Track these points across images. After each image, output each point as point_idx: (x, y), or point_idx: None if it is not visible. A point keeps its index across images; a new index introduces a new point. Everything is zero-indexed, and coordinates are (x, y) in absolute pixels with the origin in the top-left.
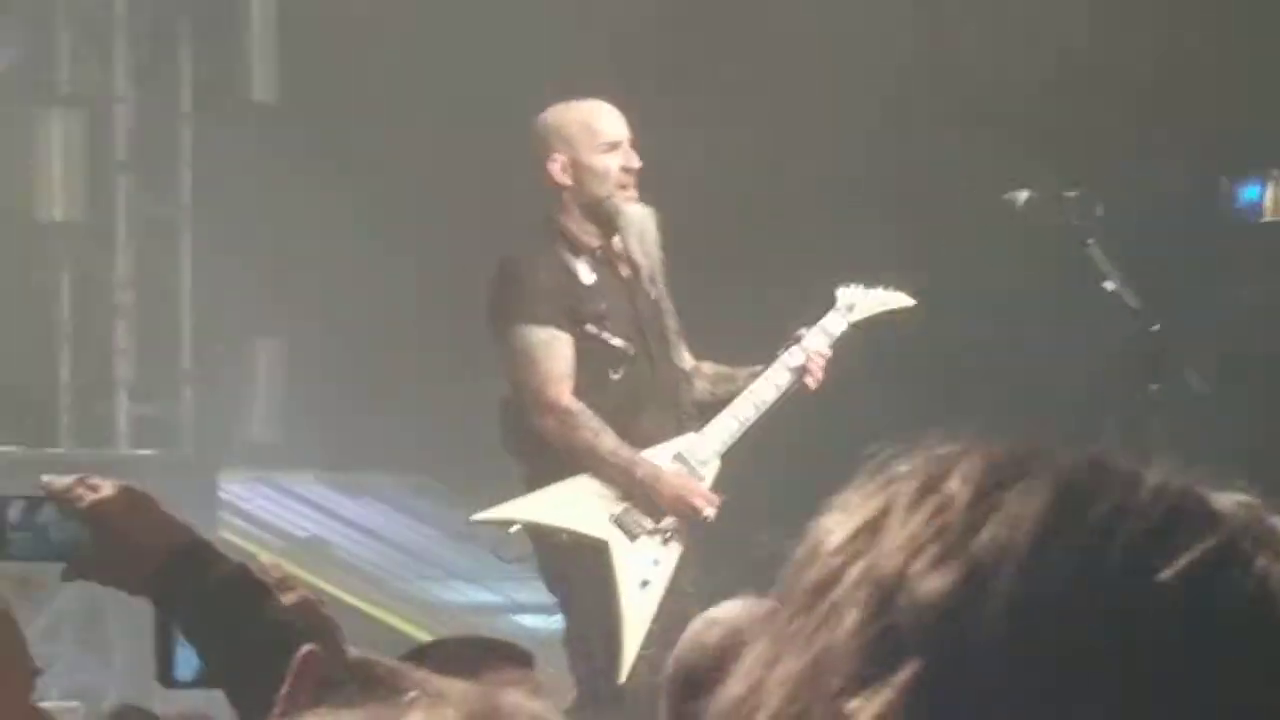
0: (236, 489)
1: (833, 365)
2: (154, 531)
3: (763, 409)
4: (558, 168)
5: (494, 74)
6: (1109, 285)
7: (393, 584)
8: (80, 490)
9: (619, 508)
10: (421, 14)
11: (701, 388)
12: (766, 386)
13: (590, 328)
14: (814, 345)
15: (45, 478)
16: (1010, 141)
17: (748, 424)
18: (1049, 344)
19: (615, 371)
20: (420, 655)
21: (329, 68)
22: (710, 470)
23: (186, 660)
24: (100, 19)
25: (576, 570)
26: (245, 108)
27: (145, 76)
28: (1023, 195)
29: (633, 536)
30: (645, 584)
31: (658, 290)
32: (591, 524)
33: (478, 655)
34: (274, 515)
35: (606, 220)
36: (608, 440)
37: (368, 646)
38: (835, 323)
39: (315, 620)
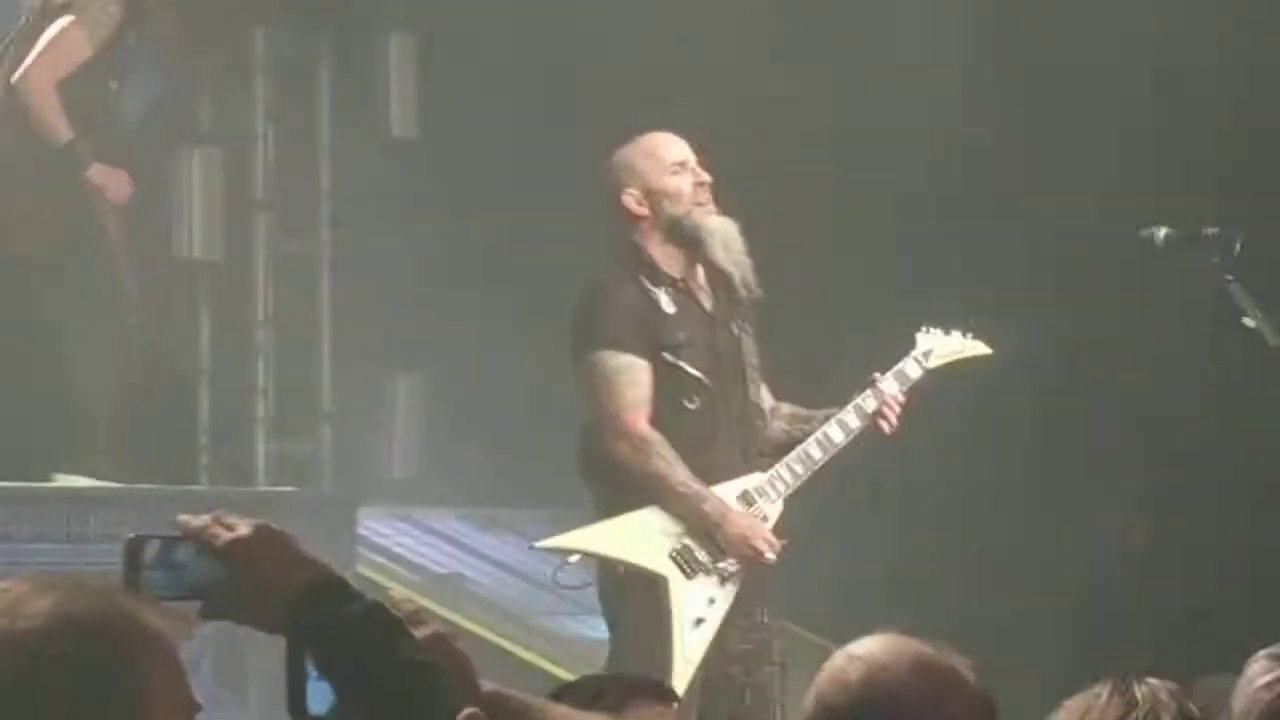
0: (375, 525)
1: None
2: (289, 568)
3: (831, 452)
4: (633, 201)
5: (628, 108)
6: (1249, 322)
7: (530, 619)
8: (216, 529)
9: (679, 544)
10: (560, 48)
11: (778, 427)
12: (836, 430)
13: (668, 356)
14: (889, 390)
15: (181, 517)
16: (1140, 179)
17: (815, 467)
18: (1189, 381)
19: (691, 402)
20: (563, 693)
21: (468, 103)
22: (774, 511)
23: (319, 693)
24: (240, 56)
25: (632, 603)
26: (384, 143)
27: (284, 113)
28: (1161, 232)
29: (691, 574)
30: (699, 622)
31: (745, 314)
32: (650, 558)
33: (621, 692)
34: (412, 551)
35: (689, 238)
36: (680, 472)
37: (504, 681)
38: (912, 368)
39: (447, 655)
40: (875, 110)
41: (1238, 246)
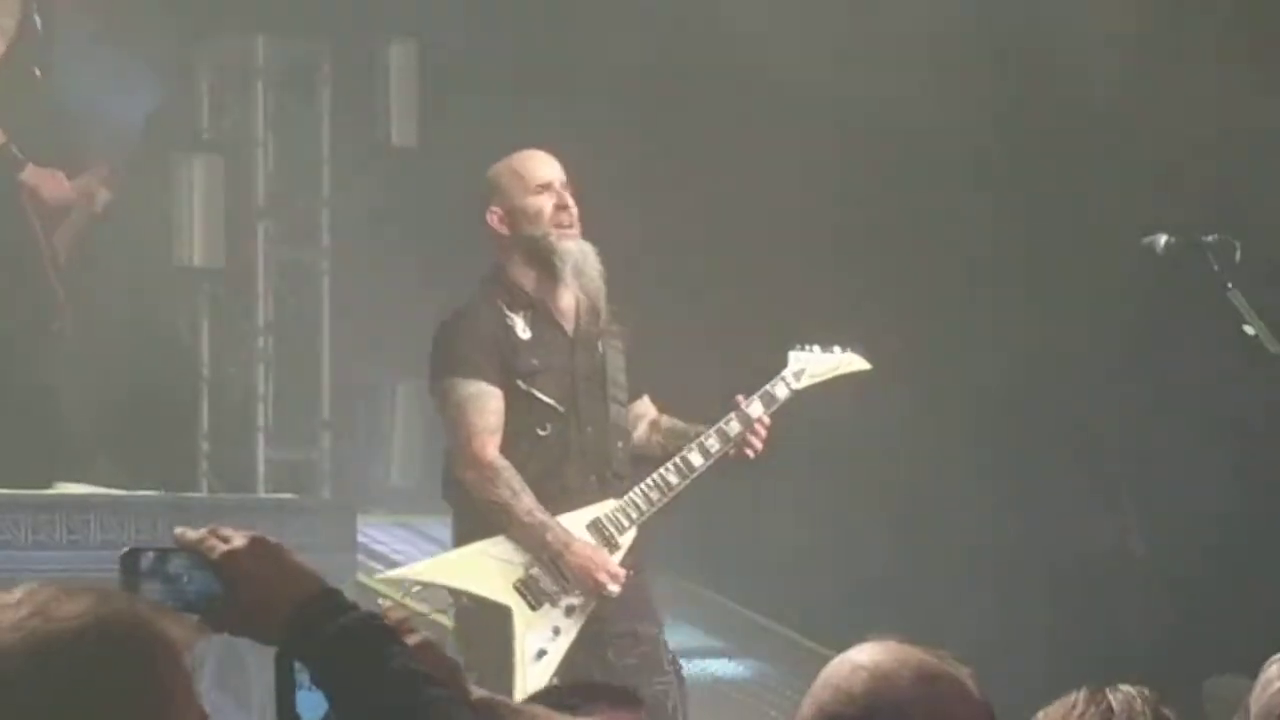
0: (374, 533)
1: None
2: (283, 581)
3: (690, 477)
4: (495, 219)
5: (626, 111)
6: (1249, 330)
7: None
8: (212, 541)
9: (525, 574)
10: (559, 53)
11: (655, 441)
12: (696, 455)
13: (521, 384)
14: (754, 413)
15: (177, 529)
16: (1142, 186)
17: (672, 493)
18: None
19: (543, 429)
20: (540, 697)
21: (467, 112)
22: (627, 538)
23: (310, 703)
24: (240, 66)
25: (479, 633)
26: (384, 153)
27: (284, 122)
28: (1162, 240)
29: (536, 604)
30: (541, 654)
31: (605, 335)
32: (495, 589)
33: (585, 698)
34: (412, 558)
35: (543, 259)
36: (525, 501)
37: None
38: (780, 389)
39: (436, 662)
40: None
41: (1237, 254)
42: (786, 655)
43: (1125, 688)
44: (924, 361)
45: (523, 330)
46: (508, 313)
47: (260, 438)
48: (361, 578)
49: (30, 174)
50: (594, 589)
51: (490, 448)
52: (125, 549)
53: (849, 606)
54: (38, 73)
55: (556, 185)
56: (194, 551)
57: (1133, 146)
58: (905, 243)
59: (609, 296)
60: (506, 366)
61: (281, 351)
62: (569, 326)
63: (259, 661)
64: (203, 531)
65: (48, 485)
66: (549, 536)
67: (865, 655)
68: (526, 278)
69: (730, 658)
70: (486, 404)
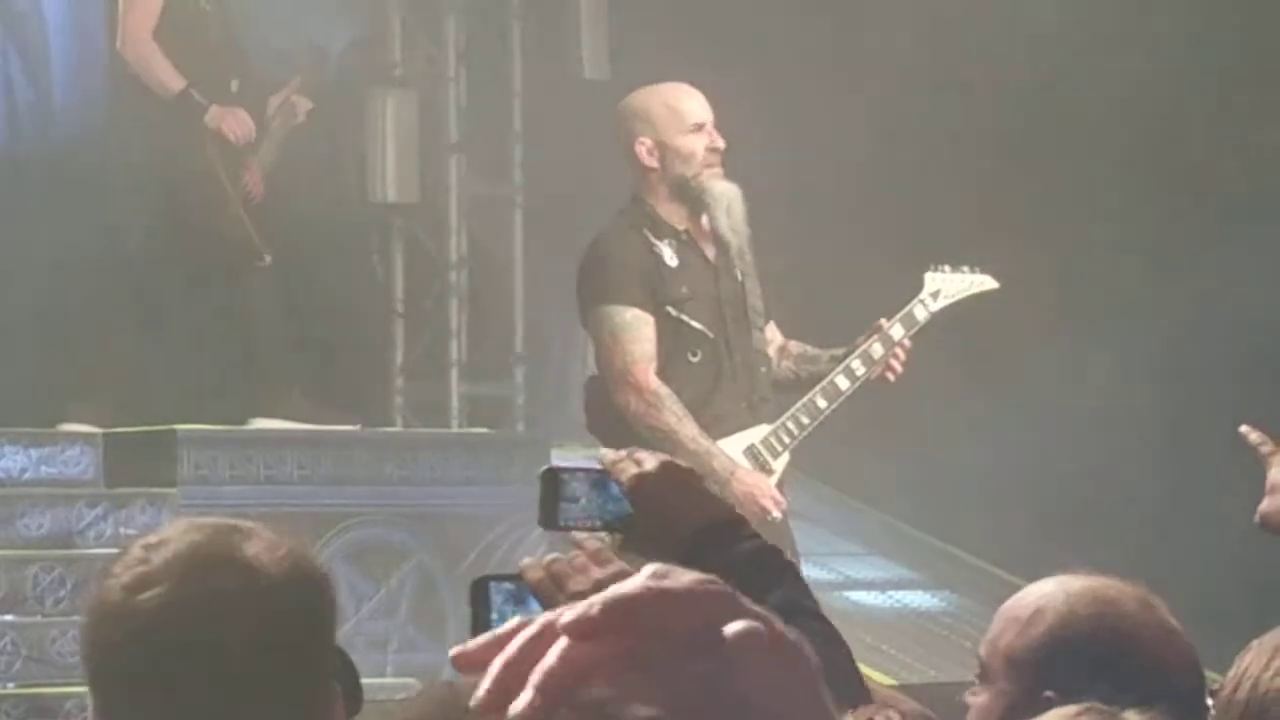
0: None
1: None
2: (688, 506)
3: (837, 401)
4: (644, 150)
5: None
6: None
7: None
8: (625, 464)
9: None
10: None
11: (786, 367)
12: (842, 379)
13: (672, 310)
14: (895, 335)
15: (602, 451)
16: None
17: (821, 416)
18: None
19: (694, 355)
20: None
21: (659, 44)
22: (780, 463)
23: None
24: (432, 1)
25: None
26: (577, 86)
27: (476, 56)
28: None
29: None
30: None
31: (745, 266)
32: None
33: None
34: None
35: (693, 199)
36: (690, 427)
37: None
38: (919, 310)
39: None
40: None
41: None
42: (980, 586)
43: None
44: (1106, 287)
45: (670, 258)
46: (654, 240)
47: (454, 372)
48: None
49: (213, 115)
50: (759, 515)
51: (651, 374)
52: (547, 467)
53: (1042, 537)
54: (205, 4)
55: (709, 125)
56: (611, 473)
57: None
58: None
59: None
60: (655, 293)
61: (475, 286)
62: (711, 254)
63: (454, 596)
64: (621, 453)
65: (244, 421)
66: (715, 464)
67: (1050, 585)
68: (672, 211)
69: (924, 589)
70: (641, 330)
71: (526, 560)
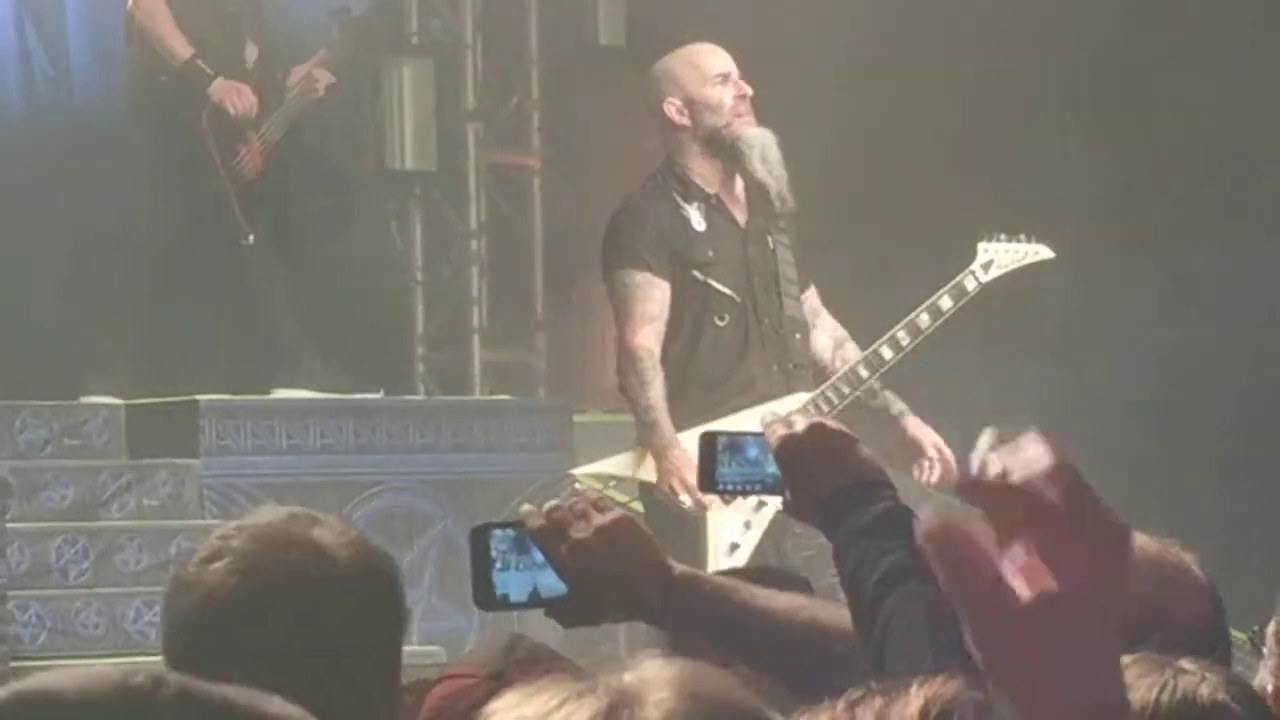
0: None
1: None
2: (828, 466)
3: (879, 370)
4: (674, 110)
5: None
6: None
7: None
8: (777, 426)
9: None
10: None
11: (823, 344)
12: (886, 349)
13: (697, 274)
14: (944, 306)
15: (763, 414)
16: None
17: (861, 387)
18: None
19: (721, 319)
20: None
21: (674, 10)
22: None
23: (517, 583)
24: None
25: (673, 526)
26: (593, 52)
27: (493, 24)
28: None
29: (728, 499)
30: (734, 548)
31: (786, 213)
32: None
33: (760, 581)
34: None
35: (728, 149)
36: (650, 394)
37: None
38: (969, 282)
39: (635, 537)
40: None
41: None
42: None
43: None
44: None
45: (698, 222)
46: (682, 204)
47: (475, 340)
48: (575, 470)
49: (217, 88)
50: (671, 496)
51: (640, 334)
52: (703, 432)
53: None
54: None
55: (733, 75)
56: (765, 436)
57: None
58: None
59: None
60: (680, 258)
61: (494, 253)
62: (742, 219)
63: None
64: (771, 415)
65: (266, 391)
66: (654, 437)
67: None
68: (704, 168)
69: None
70: (649, 293)
71: (526, 507)
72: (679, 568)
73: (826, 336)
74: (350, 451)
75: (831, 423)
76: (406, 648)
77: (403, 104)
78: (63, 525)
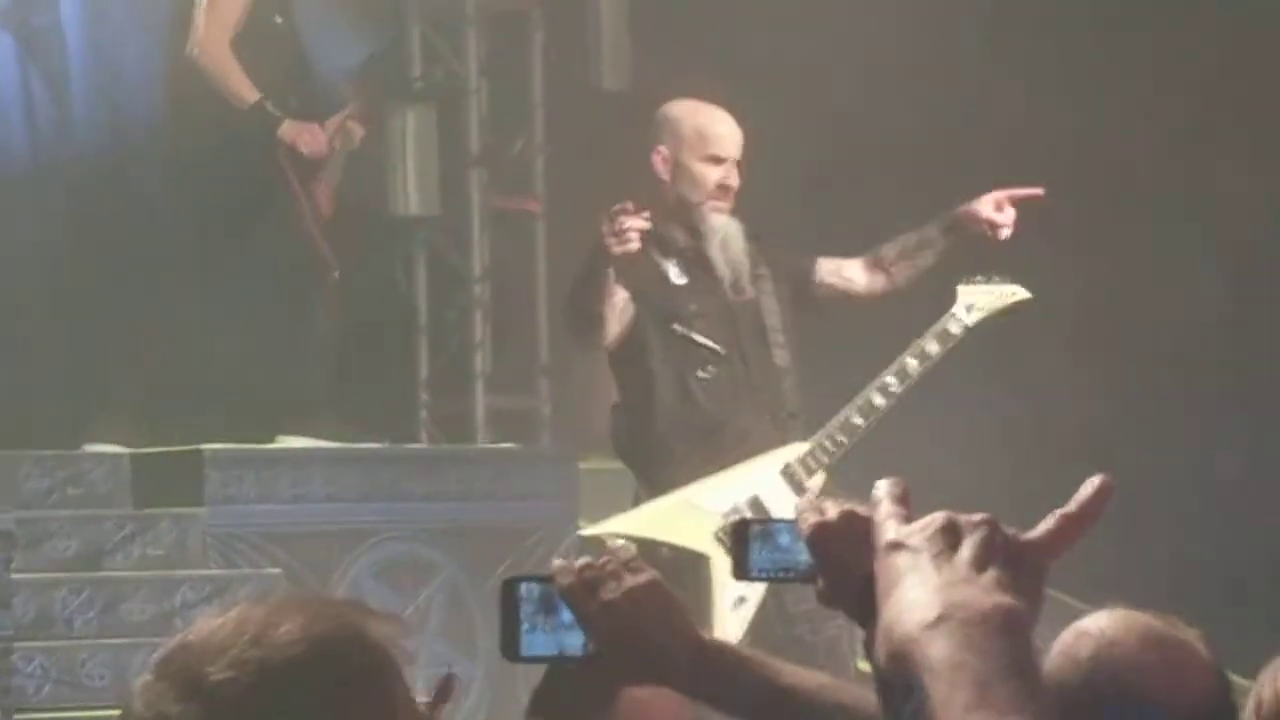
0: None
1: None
2: (863, 555)
3: (872, 418)
4: (659, 160)
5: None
6: None
7: None
8: (807, 513)
9: (724, 521)
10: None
11: (900, 270)
12: (878, 396)
13: (678, 327)
14: (932, 350)
15: (797, 500)
16: None
17: (859, 434)
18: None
19: (705, 372)
20: None
21: (679, 54)
22: (816, 481)
23: (540, 644)
24: (451, 12)
25: (676, 582)
26: (597, 97)
27: (496, 69)
28: None
29: None
30: (741, 601)
31: (745, 299)
32: (694, 538)
33: None
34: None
35: (692, 226)
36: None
37: None
38: (954, 325)
39: (665, 601)
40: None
41: None
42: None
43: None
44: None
45: (676, 276)
46: (658, 259)
47: (479, 386)
48: (581, 531)
49: (287, 129)
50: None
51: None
52: (735, 519)
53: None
54: (279, 20)
55: (730, 161)
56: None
57: None
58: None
59: (773, 239)
60: (659, 310)
61: (498, 298)
62: (724, 274)
63: (483, 610)
64: (808, 502)
65: (271, 439)
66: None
67: (1092, 622)
68: (676, 227)
69: None
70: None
71: (558, 563)
72: (709, 636)
73: (858, 268)
74: (354, 500)
75: (862, 509)
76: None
77: (406, 149)
78: (67, 576)
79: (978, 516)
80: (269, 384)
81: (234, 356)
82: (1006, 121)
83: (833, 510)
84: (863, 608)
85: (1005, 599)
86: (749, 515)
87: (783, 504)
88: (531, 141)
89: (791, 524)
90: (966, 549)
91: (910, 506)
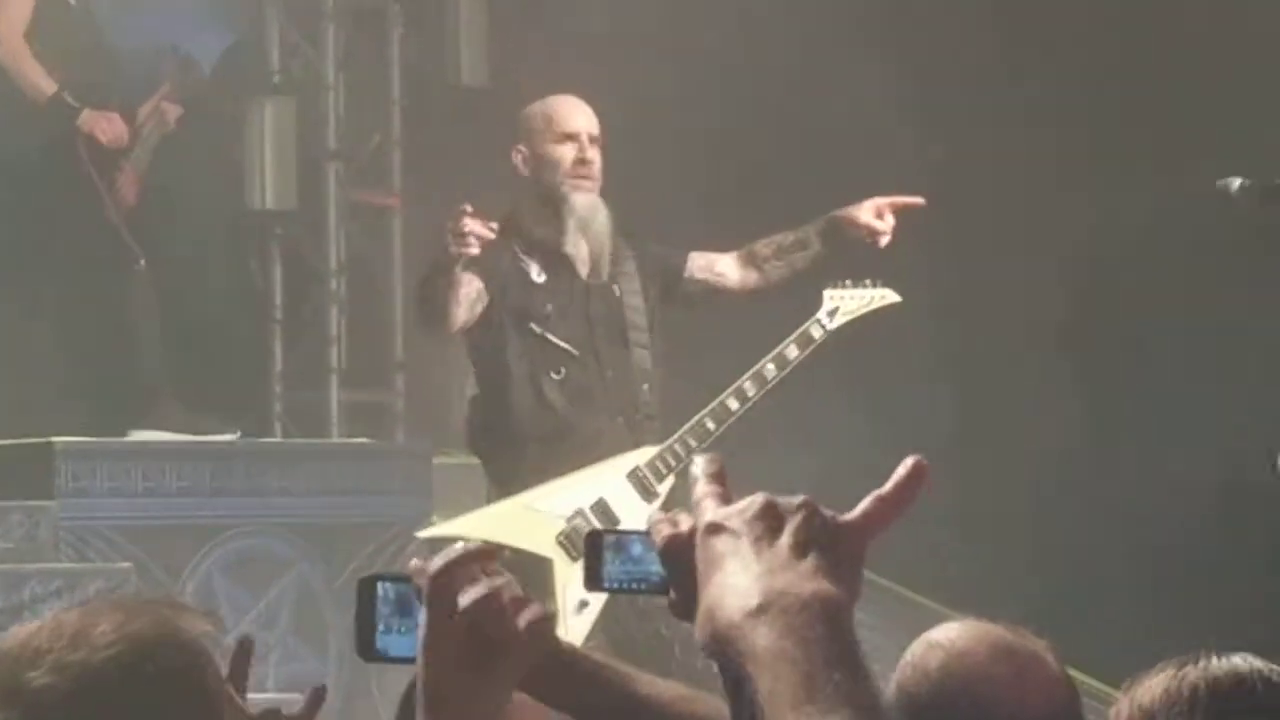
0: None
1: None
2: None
3: (725, 421)
4: (519, 159)
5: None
6: None
7: None
8: (662, 525)
9: (567, 526)
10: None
11: (774, 268)
12: (733, 400)
13: (535, 327)
14: (791, 355)
15: (650, 512)
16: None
17: (710, 438)
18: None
19: (557, 373)
20: None
21: (537, 50)
22: (665, 487)
23: (398, 645)
24: (309, 7)
25: (521, 585)
26: (455, 93)
27: (355, 63)
28: (1235, 183)
29: (576, 556)
30: (583, 605)
31: (599, 281)
32: (537, 542)
33: None
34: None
35: (555, 208)
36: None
37: None
38: (815, 330)
39: (523, 604)
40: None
41: None
42: (880, 604)
43: (1236, 660)
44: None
45: (537, 274)
46: (521, 256)
47: (334, 380)
48: (419, 533)
49: (85, 119)
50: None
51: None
52: (590, 530)
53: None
54: (72, 2)
55: (583, 136)
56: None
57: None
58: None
59: (647, 236)
60: (518, 310)
61: (354, 293)
62: (584, 271)
63: (336, 607)
64: (661, 515)
65: (123, 433)
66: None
67: (942, 634)
68: (539, 222)
69: None
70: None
71: (415, 563)
72: (563, 642)
73: (731, 263)
74: (207, 494)
75: (717, 520)
76: (263, 694)
77: (263, 143)
78: None
79: (797, 499)
80: (112, 376)
81: (61, 350)
82: (877, 119)
83: (685, 522)
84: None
85: (825, 585)
86: (593, 519)
87: (629, 508)
88: (389, 136)
89: (644, 535)
90: (786, 534)
91: (727, 484)
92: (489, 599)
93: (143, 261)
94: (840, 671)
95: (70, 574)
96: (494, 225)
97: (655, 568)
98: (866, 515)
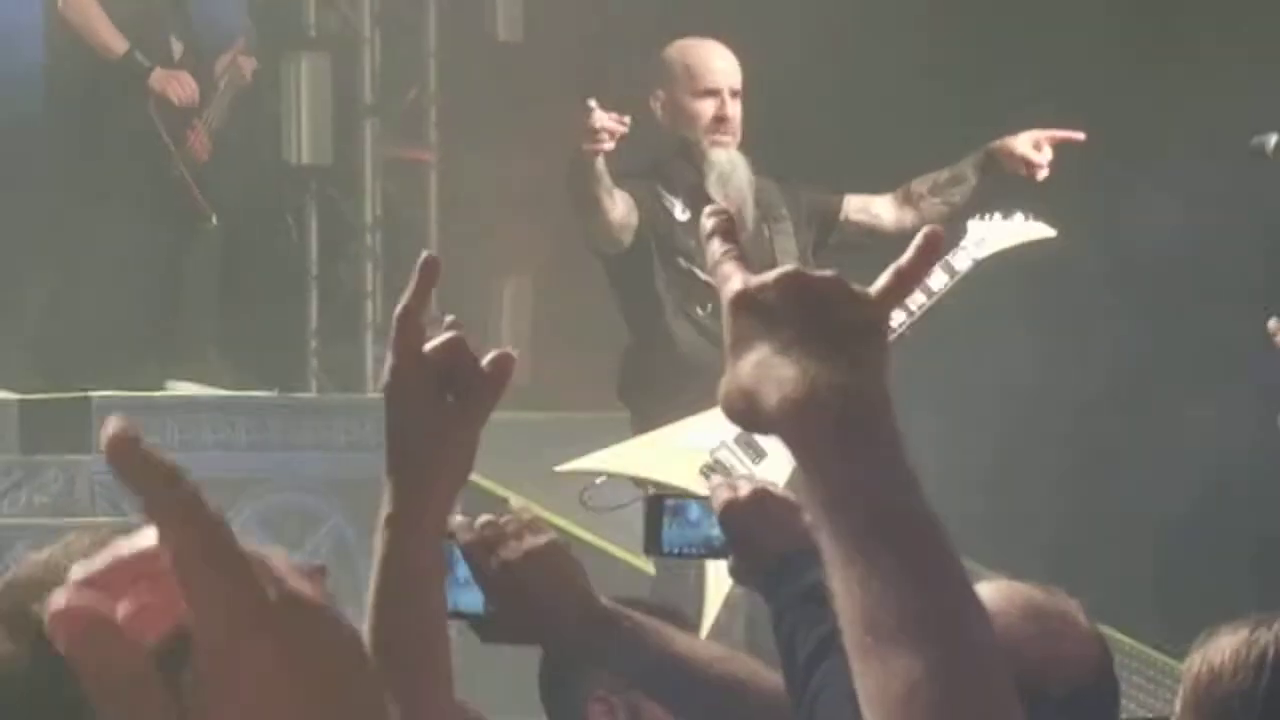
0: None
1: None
2: (774, 533)
3: None
4: (658, 105)
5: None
6: None
7: (639, 525)
8: (721, 490)
9: (710, 458)
10: None
11: (932, 205)
12: None
13: (682, 261)
14: (936, 285)
15: (711, 478)
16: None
17: None
18: None
19: (703, 309)
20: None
21: (573, 5)
22: None
23: (468, 599)
24: None
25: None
26: (491, 47)
27: (391, 18)
28: (1273, 139)
29: None
30: None
31: (747, 234)
32: (680, 475)
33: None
34: (524, 455)
35: (694, 163)
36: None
37: (612, 587)
38: (960, 259)
39: (564, 563)
40: None
41: None
42: None
43: None
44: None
45: (680, 212)
46: (663, 193)
47: (369, 335)
48: (475, 476)
49: (157, 78)
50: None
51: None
52: (649, 494)
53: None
54: None
55: (725, 93)
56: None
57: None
58: None
59: (798, 180)
60: (664, 242)
61: (389, 249)
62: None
63: (369, 562)
64: (717, 480)
65: (159, 386)
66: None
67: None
68: (681, 168)
69: None
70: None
71: (459, 519)
72: (604, 600)
73: (887, 204)
74: (242, 449)
75: (774, 488)
76: None
77: (299, 98)
78: None
79: (828, 273)
80: (155, 331)
81: (116, 304)
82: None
83: (745, 488)
84: (766, 584)
85: (865, 379)
86: (737, 450)
87: (770, 440)
88: (425, 91)
89: (703, 500)
90: (819, 318)
91: (740, 240)
92: (455, 339)
93: (214, 218)
94: (910, 496)
95: (105, 528)
96: (626, 120)
97: (714, 532)
98: (888, 289)
